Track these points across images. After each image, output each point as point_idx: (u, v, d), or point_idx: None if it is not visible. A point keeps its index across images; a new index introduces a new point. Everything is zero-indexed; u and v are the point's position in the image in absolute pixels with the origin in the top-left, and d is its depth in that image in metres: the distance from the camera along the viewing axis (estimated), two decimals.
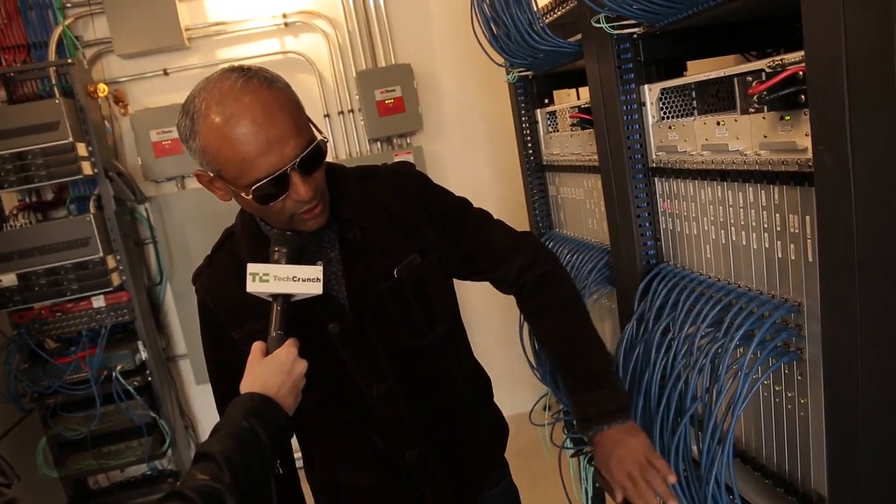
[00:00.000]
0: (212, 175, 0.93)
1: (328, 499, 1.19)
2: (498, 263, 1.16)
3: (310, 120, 0.95)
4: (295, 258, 0.96)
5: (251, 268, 0.93)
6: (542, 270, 1.16)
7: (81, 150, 2.58)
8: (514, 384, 2.68)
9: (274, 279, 0.93)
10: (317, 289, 0.94)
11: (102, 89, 2.76)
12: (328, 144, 1.17)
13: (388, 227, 1.06)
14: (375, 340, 1.05)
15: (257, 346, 0.93)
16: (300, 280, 0.94)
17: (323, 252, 1.04)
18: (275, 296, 0.94)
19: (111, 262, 2.68)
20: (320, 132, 0.96)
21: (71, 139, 2.52)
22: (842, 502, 0.81)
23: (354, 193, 1.06)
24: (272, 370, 0.91)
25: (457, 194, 1.18)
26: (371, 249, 1.04)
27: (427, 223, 1.09)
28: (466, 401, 1.19)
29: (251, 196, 0.90)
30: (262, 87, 0.88)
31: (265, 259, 0.96)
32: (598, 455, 1.05)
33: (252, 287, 0.93)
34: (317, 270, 0.94)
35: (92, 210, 2.69)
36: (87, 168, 2.60)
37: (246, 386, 0.90)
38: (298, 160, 0.89)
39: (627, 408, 1.07)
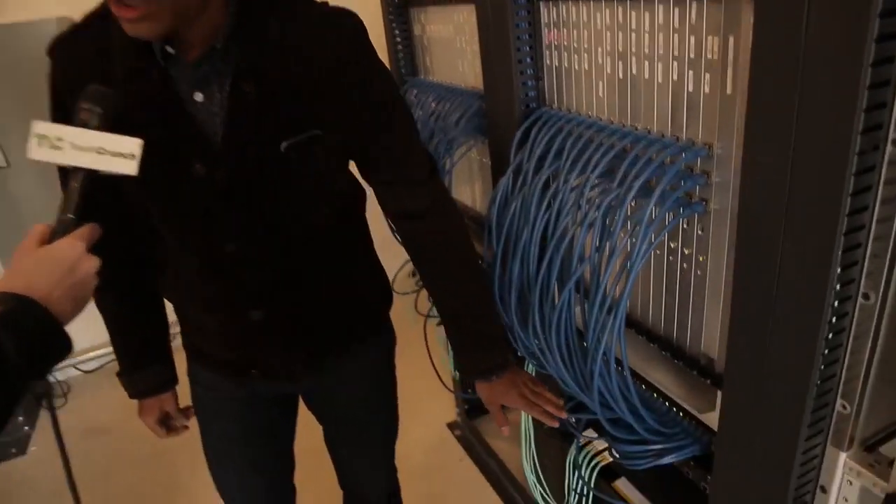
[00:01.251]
0: None
1: (182, 322, 1.07)
2: (395, 178, 0.95)
3: None
4: (108, 123, 0.70)
5: (38, 127, 0.67)
6: (433, 206, 0.97)
7: None
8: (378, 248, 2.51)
9: (71, 148, 0.68)
10: (129, 168, 0.69)
11: None
12: None
13: (297, 90, 0.82)
14: (243, 200, 0.86)
15: (37, 230, 0.67)
16: (108, 154, 0.69)
17: (209, 84, 0.80)
18: (73, 168, 0.69)
19: None
20: None
21: None
22: (741, 368, 0.74)
23: (269, 34, 0.80)
24: (46, 266, 0.63)
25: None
26: (262, 109, 0.81)
27: (347, 98, 0.84)
28: (339, 283, 1.01)
29: None
30: None
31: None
32: (484, 395, 1.06)
33: (38, 153, 0.68)
34: (133, 145, 0.69)
35: None
36: None
37: (5, 282, 0.62)
38: None
39: (512, 356, 1.06)
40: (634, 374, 0.96)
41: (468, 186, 1.51)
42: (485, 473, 1.86)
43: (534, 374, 1.20)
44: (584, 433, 1.11)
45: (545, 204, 0.94)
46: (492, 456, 1.87)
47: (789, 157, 0.60)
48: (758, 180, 0.64)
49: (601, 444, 1.13)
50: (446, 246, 0.98)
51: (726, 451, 0.81)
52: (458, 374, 1.07)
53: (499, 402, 1.06)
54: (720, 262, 0.80)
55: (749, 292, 0.69)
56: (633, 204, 0.83)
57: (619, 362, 0.85)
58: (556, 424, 1.05)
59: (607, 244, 0.81)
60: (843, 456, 0.72)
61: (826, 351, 0.65)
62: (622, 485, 1.19)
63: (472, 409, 1.99)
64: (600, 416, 0.91)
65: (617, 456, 0.96)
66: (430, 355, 1.67)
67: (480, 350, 1.02)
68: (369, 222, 1.07)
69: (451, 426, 2.07)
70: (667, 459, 0.90)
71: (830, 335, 0.64)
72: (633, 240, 0.79)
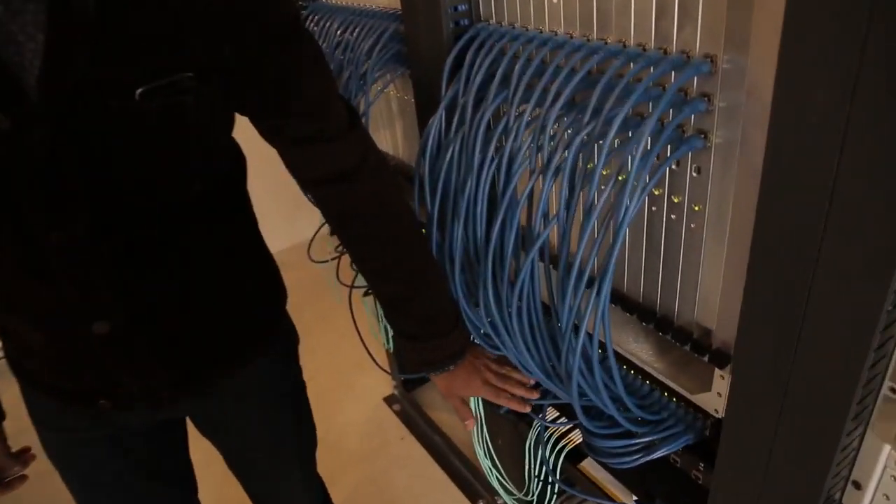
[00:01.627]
0: None
1: (2, 336, 0.78)
2: (309, 134, 0.70)
3: None
4: None
5: None
6: (361, 164, 0.74)
7: None
8: (288, 210, 2.23)
9: None
10: None
11: None
12: None
13: (159, 10, 0.55)
14: (72, 170, 0.59)
15: None
16: None
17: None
18: None
19: None
20: None
21: None
22: (759, 343, 0.57)
23: None
24: None
25: None
26: (105, 36, 0.53)
27: (235, 27, 0.59)
28: (214, 279, 0.77)
29: None
30: None
31: None
32: (442, 387, 0.89)
33: None
34: None
35: None
36: None
37: None
38: None
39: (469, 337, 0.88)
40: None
41: (388, 131, 1.27)
42: (430, 451, 1.69)
43: None
44: (552, 421, 0.94)
45: (492, 147, 0.73)
46: (436, 431, 1.70)
47: (858, 61, 0.41)
48: (801, 99, 0.46)
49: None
50: (381, 214, 0.76)
51: (736, 445, 0.65)
52: (402, 368, 0.86)
53: (460, 394, 0.88)
54: (721, 211, 0.62)
55: (779, 246, 0.52)
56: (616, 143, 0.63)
57: (601, 346, 0.67)
58: (528, 409, 0.88)
59: (581, 195, 0.62)
60: (886, 448, 0.57)
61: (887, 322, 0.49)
62: (590, 466, 1.05)
63: (409, 380, 1.81)
64: (574, 405, 0.74)
65: (593, 452, 0.79)
66: (357, 330, 1.45)
67: (433, 338, 0.82)
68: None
69: (389, 400, 1.89)
70: (658, 454, 0.74)
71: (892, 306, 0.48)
72: (618, 187, 0.59)
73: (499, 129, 0.73)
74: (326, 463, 1.87)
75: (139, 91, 0.56)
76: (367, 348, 1.48)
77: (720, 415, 0.70)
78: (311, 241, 1.50)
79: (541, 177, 0.65)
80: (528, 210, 0.68)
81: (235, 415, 0.89)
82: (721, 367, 0.67)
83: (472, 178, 0.74)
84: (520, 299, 0.70)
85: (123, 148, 0.60)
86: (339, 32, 1.14)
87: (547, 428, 1.02)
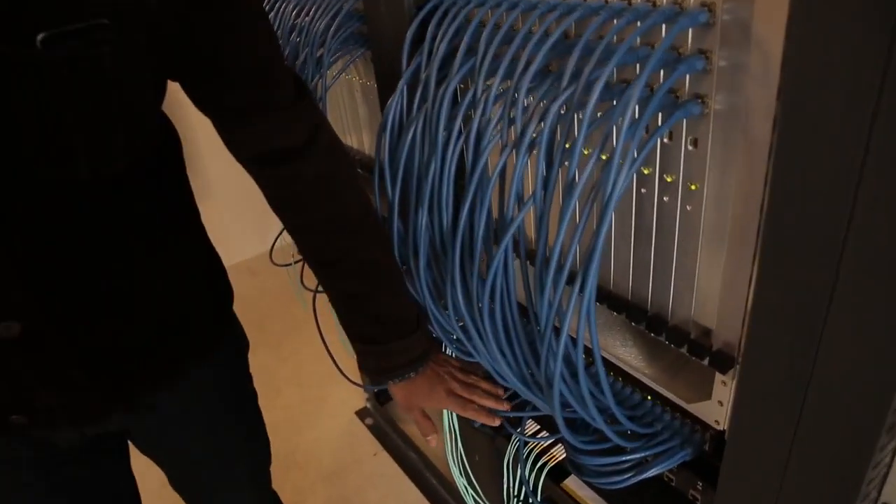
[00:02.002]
0: None
1: None
2: (252, 102, 0.61)
3: None
4: None
5: None
6: (310, 140, 0.64)
7: None
8: (256, 216, 2.11)
9: None
10: None
11: None
12: None
13: None
14: None
15: None
16: None
17: None
18: None
19: None
20: None
21: None
22: (773, 345, 0.48)
23: None
24: None
25: None
26: None
27: None
28: (147, 276, 0.66)
29: None
30: None
31: None
32: (401, 398, 0.80)
33: None
34: None
35: None
36: None
37: None
38: None
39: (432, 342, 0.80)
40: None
41: (353, 118, 1.17)
42: (404, 467, 1.59)
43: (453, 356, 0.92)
44: (532, 436, 0.85)
45: (458, 123, 0.64)
46: (410, 446, 1.60)
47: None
48: (819, 54, 0.37)
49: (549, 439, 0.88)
50: (331, 199, 0.67)
51: (743, 461, 0.56)
52: (367, 374, 0.76)
53: (421, 406, 0.78)
54: (722, 190, 0.53)
55: (797, 226, 0.43)
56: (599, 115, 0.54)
57: (587, 351, 0.58)
58: (498, 422, 0.79)
59: (560, 173, 0.53)
60: None
61: None
62: (574, 484, 0.95)
63: (382, 393, 1.71)
64: (556, 417, 0.65)
65: (578, 471, 0.70)
66: (322, 339, 1.34)
67: (391, 340, 0.73)
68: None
69: (361, 414, 1.78)
70: (652, 472, 0.65)
71: None
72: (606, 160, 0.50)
73: (465, 103, 0.64)
74: (296, 481, 1.76)
75: (40, 37, 0.46)
76: (332, 357, 1.37)
77: (722, 426, 0.61)
78: (274, 242, 1.39)
79: (514, 152, 0.56)
80: (500, 191, 0.59)
81: (178, 430, 0.78)
82: (723, 372, 0.58)
83: (436, 158, 0.65)
84: (492, 297, 0.60)
85: (26, 107, 0.49)
86: (293, 14, 1.05)
87: (526, 443, 0.93)
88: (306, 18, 1.01)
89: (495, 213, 0.62)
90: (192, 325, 0.72)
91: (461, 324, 0.71)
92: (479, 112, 0.61)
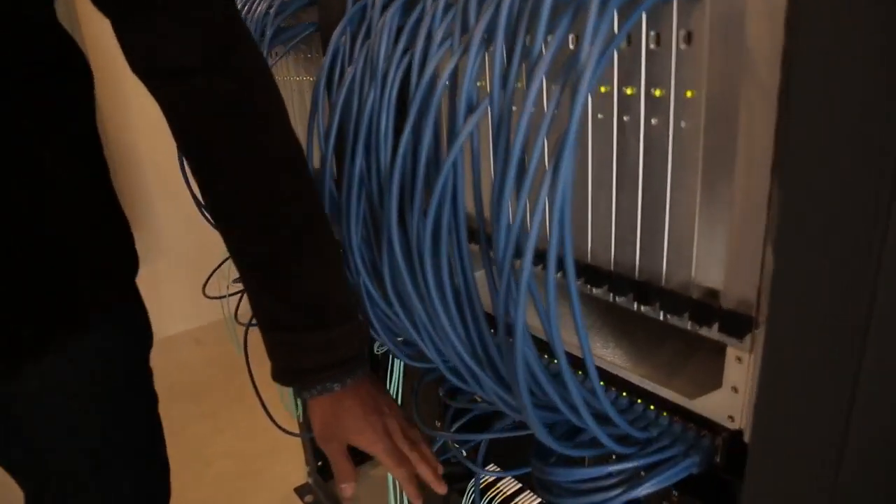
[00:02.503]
0: None
1: None
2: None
3: None
4: None
5: None
6: (225, 51, 0.52)
7: None
8: (196, 286, 1.95)
9: None
10: None
11: None
12: None
13: None
14: None
15: None
16: None
17: None
18: None
19: None
20: None
21: None
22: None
23: None
24: None
25: None
26: None
27: None
28: (27, 217, 0.52)
29: None
30: None
31: None
32: (318, 422, 0.61)
33: None
34: None
35: None
36: None
37: None
38: None
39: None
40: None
41: (294, 79, 1.06)
42: None
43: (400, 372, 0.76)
44: (487, 468, 0.67)
45: (402, 44, 0.53)
46: None
47: None
48: None
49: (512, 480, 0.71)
50: (244, 131, 0.53)
51: (775, 464, 0.41)
52: (279, 377, 0.59)
53: (343, 439, 0.61)
54: (728, 95, 0.42)
55: (838, 134, 0.31)
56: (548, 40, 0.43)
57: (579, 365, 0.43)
58: (420, 502, 0.62)
59: (523, 68, 0.41)
60: None
61: None
62: None
63: (326, 468, 1.48)
64: (530, 419, 0.49)
65: (548, 491, 0.53)
66: (255, 387, 1.15)
67: (314, 329, 0.56)
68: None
69: (301, 491, 1.54)
70: (644, 489, 0.48)
71: None
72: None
73: (410, 22, 0.53)
74: None
75: None
76: (268, 413, 1.17)
77: (738, 424, 0.46)
78: (209, 277, 1.24)
79: (463, 59, 0.44)
80: (450, 100, 0.46)
81: (42, 421, 0.58)
82: (739, 338, 0.44)
83: (375, 88, 0.53)
84: (436, 233, 0.46)
85: None
86: None
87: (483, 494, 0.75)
88: None
89: (444, 130, 0.50)
90: (80, 286, 0.55)
91: (397, 292, 0.56)
92: (423, 27, 0.50)
